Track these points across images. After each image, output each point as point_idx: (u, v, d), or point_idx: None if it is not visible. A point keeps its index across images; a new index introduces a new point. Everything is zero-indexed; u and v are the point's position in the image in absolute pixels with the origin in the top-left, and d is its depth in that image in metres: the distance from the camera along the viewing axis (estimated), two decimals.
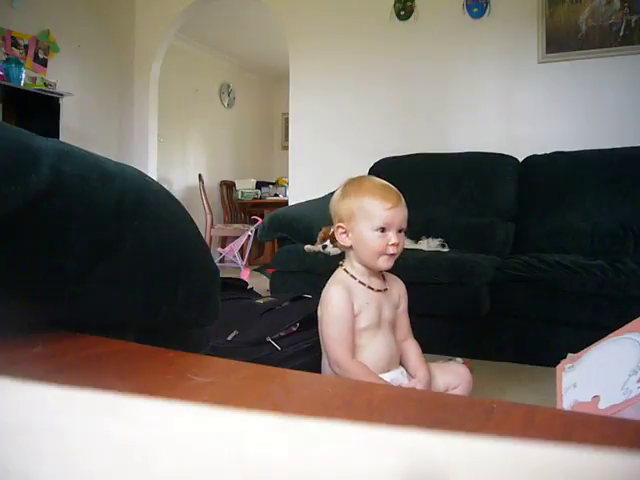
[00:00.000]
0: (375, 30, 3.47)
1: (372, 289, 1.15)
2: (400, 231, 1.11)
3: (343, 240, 1.15)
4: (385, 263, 1.12)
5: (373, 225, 1.09)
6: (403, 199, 1.13)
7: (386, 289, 1.18)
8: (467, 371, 1.20)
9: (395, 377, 1.15)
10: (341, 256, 1.27)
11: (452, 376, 1.19)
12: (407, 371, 1.20)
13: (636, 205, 2.37)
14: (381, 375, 1.13)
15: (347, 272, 1.17)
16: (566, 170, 2.58)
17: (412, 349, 1.21)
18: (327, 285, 1.18)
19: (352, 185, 1.16)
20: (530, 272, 1.97)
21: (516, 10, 3.09)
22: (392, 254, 1.11)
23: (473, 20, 3.21)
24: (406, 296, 1.22)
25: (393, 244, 1.09)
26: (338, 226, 1.15)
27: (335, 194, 1.18)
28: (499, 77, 3.17)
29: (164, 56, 4.48)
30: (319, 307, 1.19)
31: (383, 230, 1.09)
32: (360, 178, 1.19)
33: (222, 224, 5.71)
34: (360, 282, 1.15)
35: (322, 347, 1.22)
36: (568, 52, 2.96)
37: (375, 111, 3.50)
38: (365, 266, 1.15)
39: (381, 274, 1.20)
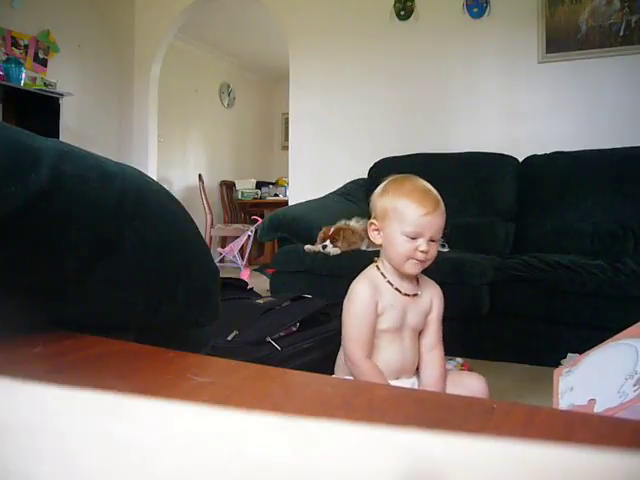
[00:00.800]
0: (375, 30, 3.47)
1: (399, 292, 1.11)
2: (433, 240, 1.06)
3: (374, 237, 1.12)
4: (412, 268, 1.07)
5: (404, 229, 1.05)
6: (442, 206, 1.07)
7: (416, 294, 1.13)
8: (484, 386, 1.12)
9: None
10: (367, 254, 1.23)
11: (466, 391, 1.11)
12: (420, 384, 1.15)
13: (636, 205, 2.37)
14: (390, 382, 1.09)
15: (378, 269, 1.13)
16: (566, 170, 2.58)
17: (434, 365, 1.14)
18: (356, 279, 1.14)
19: (394, 183, 1.11)
20: (530, 272, 1.97)
21: (516, 10, 3.09)
22: (421, 260, 1.06)
23: (473, 20, 3.21)
24: (440, 303, 1.16)
25: (422, 251, 1.04)
26: (371, 223, 1.12)
27: (377, 188, 1.14)
28: (499, 77, 3.17)
29: (164, 56, 4.48)
30: (345, 299, 1.15)
31: (414, 237, 1.05)
32: (404, 177, 1.13)
33: (222, 224, 5.71)
34: (389, 282, 1.11)
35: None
36: (568, 52, 2.96)
37: (375, 111, 3.50)
38: (393, 267, 1.12)
39: (415, 277, 1.14)
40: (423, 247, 1.04)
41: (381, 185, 1.13)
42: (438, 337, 1.15)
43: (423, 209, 1.04)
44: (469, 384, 1.14)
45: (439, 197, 1.08)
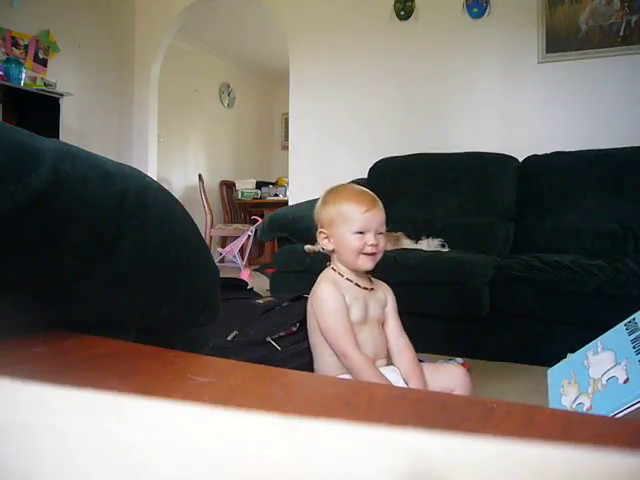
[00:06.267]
0: (375, 30, 3.47)
1: (359, 286, 1.20)
2: (379, 233, 1.17)
3: (325, 245, 1.22)
4: (365, 263, 1.17)
5: (351, 228, 1.15)
6: (380, 203, 1.19)
7: (372, 288, 1.23)
8: (464, 373, 1.20)
9: (390, 377, 1.15)
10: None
11: (448, 379, 1.18)
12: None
13: (636, 205, 2.37)
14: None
15: (335, 270, 1.22)
16: (566, 170, 2.58)
17: (405, 353, 1.21)
18: (317, 283, 1.22)
19: (330, 193, 1.23)
20: (530, 272, 1.97)
21: (516, 10, 3.09)
22: (371, 253, 1.16)
23: (473, 20, 3.21)
24: (393, 298, 1.26)
25: (371, 244, 1.15)
26: (320, 232, 1.22)
27: (317, 203, 1.25)
28: (499, 77, 3.17)
29: (164, 56, 4.48)
30: (309, 305, 1.23)
31: (362, 232, 1.15)
32: (338, 186, 1.26)
33: (222, 224, 5.70)
34: (347, 279, 1.20)
35: (313, 350, 1.23)
36: (568, 52, 2.96)
37: (375, 111, 3.50)
38: (348, 267, 1.21)
39: (367, 275, 1.24)
40: (371, 240, 1.15)
41: (320, 198, 1.25)
42: (399, 326, 1.25)
43: (363, 206, 1.15)
44: (452, 372, 1.23)
45: (375, 196, 1.20)
